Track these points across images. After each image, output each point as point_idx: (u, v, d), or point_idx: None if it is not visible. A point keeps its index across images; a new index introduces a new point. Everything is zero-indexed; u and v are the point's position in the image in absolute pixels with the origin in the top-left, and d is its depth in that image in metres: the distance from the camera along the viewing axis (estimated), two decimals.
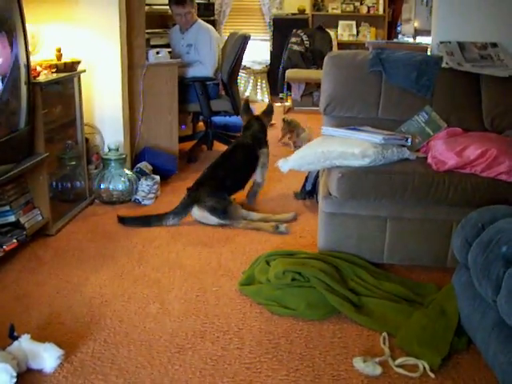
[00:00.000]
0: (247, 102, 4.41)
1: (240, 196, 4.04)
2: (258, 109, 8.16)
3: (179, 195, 3.84)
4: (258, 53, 8.54)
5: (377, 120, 3.39)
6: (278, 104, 8.32)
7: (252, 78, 8.42)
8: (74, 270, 3.02)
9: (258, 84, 8.47)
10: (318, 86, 7.80)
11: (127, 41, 4.15)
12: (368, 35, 8.29)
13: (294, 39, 7.89)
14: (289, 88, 7.99)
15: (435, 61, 3.45)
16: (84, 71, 3.77)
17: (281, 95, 8.15)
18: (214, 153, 5.19)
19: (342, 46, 8.29)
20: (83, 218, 3.74)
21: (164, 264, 3.11)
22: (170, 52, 5.25)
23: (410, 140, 3.08)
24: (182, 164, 4.85)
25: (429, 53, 3.83)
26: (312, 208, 3.94)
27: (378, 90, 3.39)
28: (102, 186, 3.95)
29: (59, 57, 3.60)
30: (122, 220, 3.64)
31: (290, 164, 3.03)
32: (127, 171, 4.02)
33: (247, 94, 8.39)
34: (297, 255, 2.96)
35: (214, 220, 3.63)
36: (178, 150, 4.77)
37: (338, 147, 2.90)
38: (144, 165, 4.22)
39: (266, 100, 8.53)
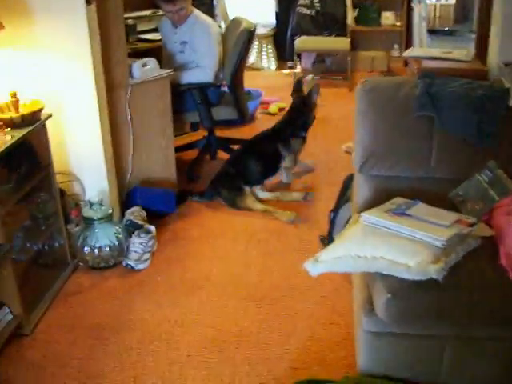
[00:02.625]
0: (299, 81, 4.36)
1: None
2: (264, 78, 7.43)
3: (181, 247, 3.42)
4: (261, 14, 7.56)
5: (428, 180, 2.64)
6: (287, 71, 7.46)
7: (256, 42, 7.50)
8: None
9: (264, 49, 7.57)
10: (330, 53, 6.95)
11: (104, 58, 3.31)
12: None
13: (302, 1, 6.96)
14: (298, 55, 7.10)
15: (500, 96, 2.65)
16: (50, 116, 2.98)
17: (290, 63, 7.28)
18: (219, 163, 4.45)
19: (358, 2, 7.30)
20: (65, 298, 3.05)
21: None
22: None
23: (475, 226, 2.33)
24: (181, 181, 4.13)
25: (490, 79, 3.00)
26: None
27: (429, 140, 2.61)
28: (85, 249, 3.24)
29: (15, 104, 2.82)
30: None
31: (320, 268, 2.29)
32: (115, 227, 3.29)
33: (252, 60, 7.50)
34: None
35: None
36: (176, 164, 4.01)
37: (385, 253, 2.16)
38: (136, 212, 3.48)
39: (273, 67, 7.64)
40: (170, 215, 3.78)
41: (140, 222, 3.41)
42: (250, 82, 4.49)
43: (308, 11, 6.96)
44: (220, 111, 4.36)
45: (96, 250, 3.23)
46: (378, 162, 2.64)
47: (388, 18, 7.34)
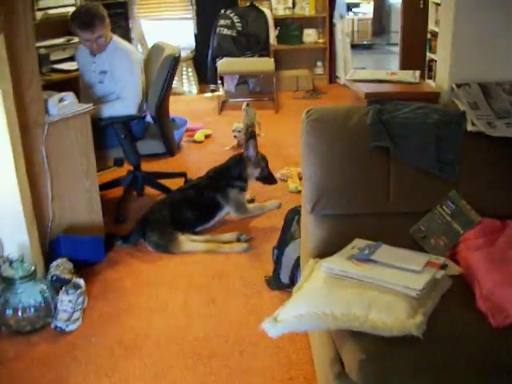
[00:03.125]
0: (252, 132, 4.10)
1: None
2: (186, 103, 7.11)
3: (114, 300, 3.08)
4: (180, 36, 7.29)
5: (387, 216, 2.43)
6: (209, 94, 7.21)
7: None
8: None
9: (184, 73, 7.29)
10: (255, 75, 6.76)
11: (16, 94, 2.95)
12: (307, 7, 7.17)
13: (222, 21, 6.72)
14: (221, 78, 6.86)
15: (456, 121, 2.47)
16: None
17: (212, 87, 7.03)
18: (147, 200, 4.13)
19: (278, 21, 7.15)
20: None
21: None
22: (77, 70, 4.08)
23: (447, 268, 2.12)
24: (108, 223, 3.77)
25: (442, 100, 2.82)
26: None
27: (386, 171, 2.40)
28: (7, 312, 2.85)
29: None
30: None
31: (281, 328, 2.01)
32: (40, 285, 2.91)
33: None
34: None
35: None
36: (101, 206, 3.62)
37: (356, 308, 1.91)
38: (62, 264, 3.11)
39: (194, 91, 7.36)
40: (99, 263, 3.42)
41: (67, 277, 3.04)
42: (172, 107, 4.21)
43: (229, 32, 6.73)
44: (145, 145, 4.04)
45: (20, 313, 2.84)
46: (332, 200, 2.40)
47: (310, 35, 7.23)
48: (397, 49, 10.59)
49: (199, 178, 3.99)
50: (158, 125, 3.91)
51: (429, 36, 6.45)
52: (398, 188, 2.40)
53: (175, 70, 3.90)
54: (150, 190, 4.37)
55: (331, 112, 2.51)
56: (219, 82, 6.88)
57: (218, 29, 6.75)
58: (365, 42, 10.42)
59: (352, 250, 2.22)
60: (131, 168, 4.27)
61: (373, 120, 2.43)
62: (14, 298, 2.84)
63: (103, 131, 3.85)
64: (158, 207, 3.75)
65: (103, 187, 4.25)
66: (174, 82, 6.88)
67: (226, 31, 6.73)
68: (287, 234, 3.23)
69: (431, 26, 5.68)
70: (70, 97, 3.38)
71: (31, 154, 3.16)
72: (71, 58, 4.54)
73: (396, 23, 10.46)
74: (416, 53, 6.80)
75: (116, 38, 3.96)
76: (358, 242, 2.28)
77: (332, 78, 7.67)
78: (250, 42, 6.76)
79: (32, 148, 3.17)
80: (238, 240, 3.63)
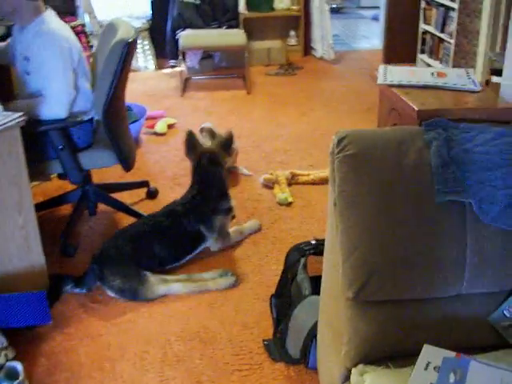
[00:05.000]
0: (191, 134, 3.12)
1: None
2: (142, 81, 6.14)
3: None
4: (134, 4, 6.29)
5: (456, 301, 1.69)
6: (168, 70, 6.30)
7: None
8: None
9: (139, 46, 6.31)
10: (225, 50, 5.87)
11: None
12: None
13: None
14: (182, 53, 5.94)
15: None
16: None
17: (172, 62, 6.11)
18: (102, 219, 3.29)
19: None
20: None
21: None
22: None
23: None
24: (53, 260, 2.94)
25: None
26: None
27: (461, 237, 1.62)
28: None
29: None
30: None
31: None
32: None
33: None
34: None
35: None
36: (42, 235, 2.70)
37: None
38: None
39: (151, 67, 6.41)
40: (42, 326, 2.58)
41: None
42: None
43: (192, 0, 5.78)
44: (91, 157, 3.11)
45: None
46: (386, 282, 1.61)
47: (282, 1, 6.33)
48: (368, 13, 9.79)
49: (173, 202, 3.12)
50: (107, 131, 2.99)
51: (423, 4, 5.66)
52: (479, 260, 1.63)
53: (128, 59, 2.98)
54: (104, 207, 3.50)
55: (375, 142, 1.69)
56: (180, 57, 5.94)
57: None
58: (333, 6, 9.52)
59: (427, 372, 1.45)
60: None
61: (440, 159, 1.63)
62: None
63: (39, 139, 2.96)
64: (119, 240, 2.90)
65: (45, 205, 3.39)
66: None
67: None
68: (292, 287, 2.46)
69: None
70: None
71: None
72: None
73: None
74: (405, 23, 6.02)
75: (47, 14, 2.98)
76: (431, 354, 1.52)
77: (307, 50, 6.81)
78: (217, 10, 5.83)
79: None
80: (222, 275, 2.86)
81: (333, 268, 1.73)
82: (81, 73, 3.04)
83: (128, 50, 2.89)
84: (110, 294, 2.78)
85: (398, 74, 2.34)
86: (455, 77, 2.27)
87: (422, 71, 2.42)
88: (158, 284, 2.78)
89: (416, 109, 2.07)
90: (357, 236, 1.60)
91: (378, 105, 2.52)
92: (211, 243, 3.07)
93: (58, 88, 2.91)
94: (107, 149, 3.09)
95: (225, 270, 2.90)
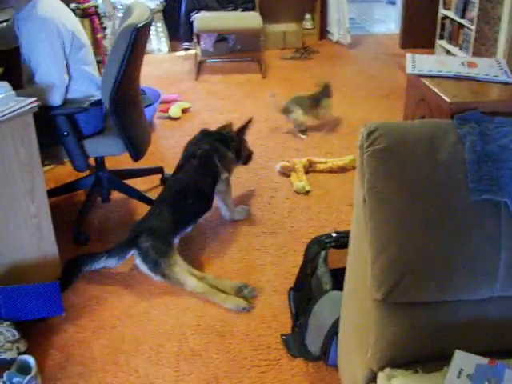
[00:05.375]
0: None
1: None
2: (155, 64, 6.03)
3: (79, 379, 2.19)
4: None
5: (488, 304, 1.61)
6: (182, 53, 6.20)
7: None
8: None
9: (152, 28, 6.20)
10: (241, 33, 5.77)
11: None
12: None
13: None
14: (197, 35, 5.84)
15: None
16: None
17: (186, 45, 6.02)
18: (115, 207, 3.23)
19: None
20: None
21: None
22: None
23: None
24: (66, 249, 2.84)
25: None
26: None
27: (495, 236, 1.53)
28: None
29: None
30: None
31: None
32: None
33: None
34: None
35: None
36: (55, 224, 2.65)
37: None
38: (1, 334, 2.21)
39: (165, 50, 6.33)
40: (54, 317, 2.53)
41: (9, 357, 2.17)
42: None
43: None
44: (98, 145, 3.04)
45: None
46: (418, 282, 1.53)
47: None
48: None
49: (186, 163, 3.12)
50: (114, 119, 2.90)
51: None
52: None
53: (139, 44, 2.87)
54: (118, 195, 3.44)
55: (406, 136, 1.61)
56: (194, 39, 5.84)
57: None
58: None
59: (460, 380, 1.38)
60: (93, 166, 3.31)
61: (474, 155, 1.54)
62: None
63: (48, 123, 2.88)
64: (158, 208, 2.89)
65: (57, 191, 3.33)
66: None
67: None
68: (312, 280, 2.38)
69: None
70: (2, 88, 2.41)
71: None
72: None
73: None
74: (423, 8, 5.88)
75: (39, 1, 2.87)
76: (464, 360, 1.45)
77: (323, 33, 6.69)
78: None
79: None
80: (239, 291, 2.67)
81: (359, 267, 1.65)
82: (79, 57, 2.94)
83: (137, 35, 2.76)
84: (136, 262, 2.72)
85: (426, 63, 2.23)
86: (486, 67, 2.16)
87: (452, 60, 2.32)
88: (179, 267, 2.68)
89: (449, 101, 1.98)
90: (387, 235, 1.53)
91: (405, 94, 2.42)
92: (218, 194, 3.11)
93: (48, 74, 2.82)
94: (116, 136, 3.00)
95: (246, 284, 2.71)
